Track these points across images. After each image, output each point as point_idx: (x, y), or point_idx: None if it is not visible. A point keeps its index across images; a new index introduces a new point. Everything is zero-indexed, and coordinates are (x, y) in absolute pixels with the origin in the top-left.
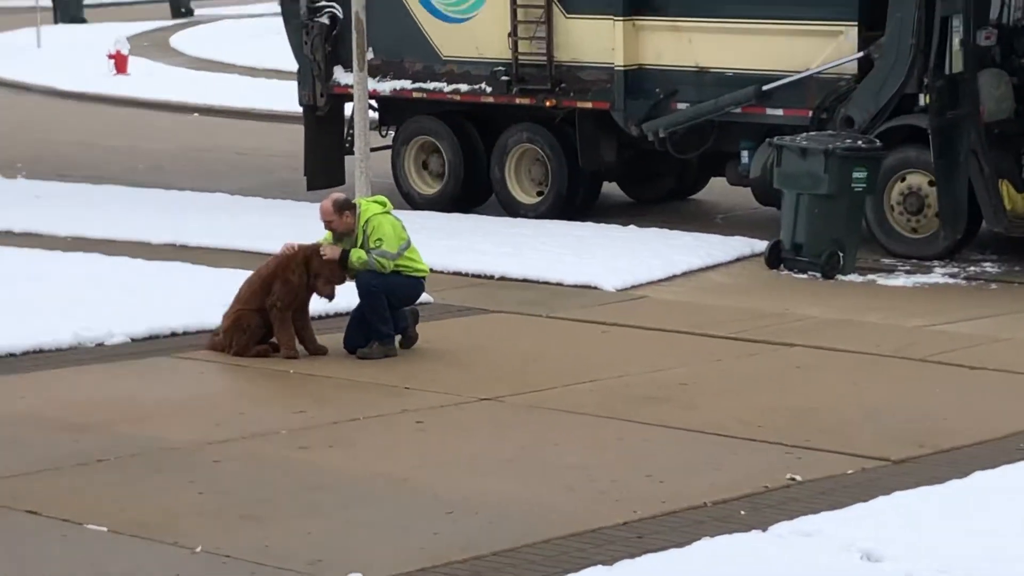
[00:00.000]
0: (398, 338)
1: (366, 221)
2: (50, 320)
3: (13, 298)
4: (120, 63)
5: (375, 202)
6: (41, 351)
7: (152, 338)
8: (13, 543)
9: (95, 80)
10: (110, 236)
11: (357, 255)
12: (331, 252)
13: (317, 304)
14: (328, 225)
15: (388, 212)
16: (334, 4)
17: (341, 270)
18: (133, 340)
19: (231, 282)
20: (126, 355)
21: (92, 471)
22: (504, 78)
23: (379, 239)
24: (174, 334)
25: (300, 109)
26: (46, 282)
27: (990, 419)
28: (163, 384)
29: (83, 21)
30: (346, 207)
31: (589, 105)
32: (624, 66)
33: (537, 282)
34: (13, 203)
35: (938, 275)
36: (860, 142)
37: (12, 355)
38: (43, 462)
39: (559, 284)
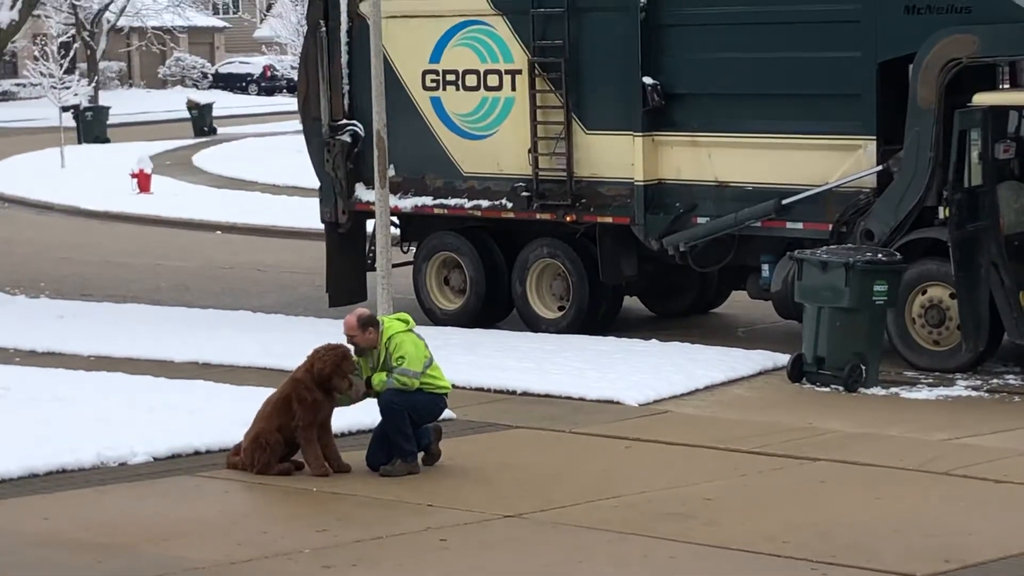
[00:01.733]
0: (421, 455)
1: (388, 339)
2: (73, 440)
3: (36, 418)
4: (143, 182)
5: (398, 319)
6: (64, 471)
7: (175, 457)
8: None
9: (118, 199)
10: (133, 355)
11: (378, 379)
12: (356, 393)
13: (339, 422)
14: (351, 340)
15: (411, 330)
16: (355, 122)
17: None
18: (156, 459)
19: (253, 400)
20: (149, 475)
21: None
22: (525, 194)
23: (401, 356)
24: (197, 453)
25: (322, 226)
26: (69, 402)
27: (1016, 533)
28: (186, 503)
29: (106, 141)
30: (370, 323)
31: (609, 220)
32: (644, 181)
33: (559, 397)
34: (36, 323)
35: (961, 388)
36: (880, 255)
37: (35, 475)
38: None
39: (581, 399)
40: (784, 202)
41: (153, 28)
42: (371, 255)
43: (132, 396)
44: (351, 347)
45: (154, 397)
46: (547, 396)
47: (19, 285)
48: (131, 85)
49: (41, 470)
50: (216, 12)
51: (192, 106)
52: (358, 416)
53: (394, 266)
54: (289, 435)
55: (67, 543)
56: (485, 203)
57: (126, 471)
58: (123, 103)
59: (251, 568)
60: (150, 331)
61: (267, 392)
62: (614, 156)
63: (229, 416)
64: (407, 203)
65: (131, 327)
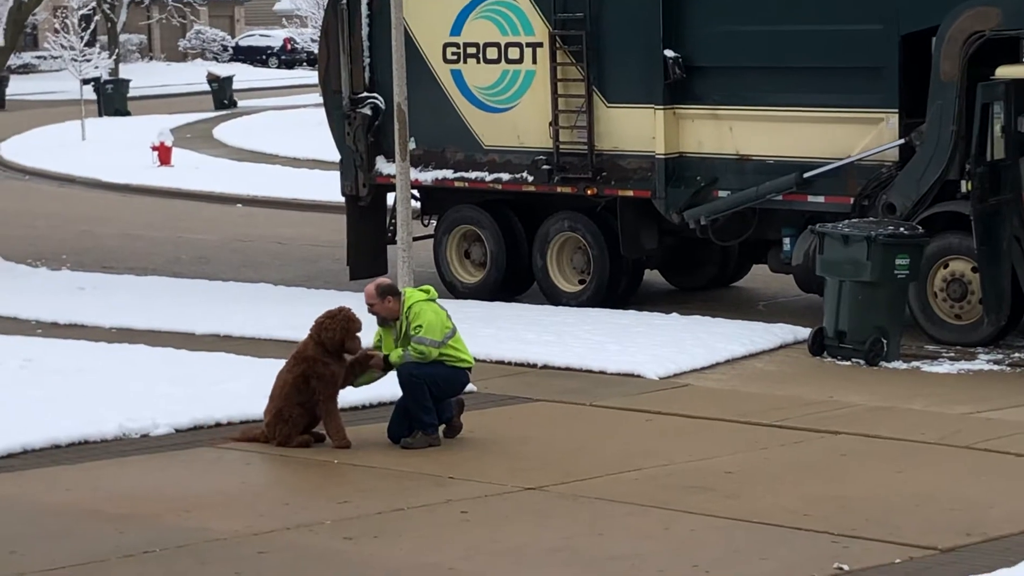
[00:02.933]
0: (442, 428)
1: (409, 308)
2: (95, 411)
3: (58, 390)
4: (164, 155)
5: (420, 290)
6: (86, 442)
7: (196, 428)
8: None
9: (139, 172)
10: (154, 327)
11: (396, 355)
12: (376, 361)
13: (360, 395)
14: (371, 309)
15: (432, 300)
16: (376, 95)
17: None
18: (177, 431)
19: (274, 372)
20: (170, 446)
21: (138, 563)
22: (545, 167)
23: (419, 325)
24: (218, 424)
25: (343, 199)
26: (90, 373)
27: None
28: (207, 475)
29: (127, 114)
30: (389, 292)
31: (630, 193)
32: (665, 154)
33: (580, 370)
34: (58, 295)
35: (982, 362)
36: (902, 229)
37: (58, 446)
38: (89, 554)
39: (602, 372)
40: (805, 175)
41: (173, 1)
42: (391, 228)
43: (154, 368)
44: (371, 315)
45: (175, 369)
46: (568, 369)
47: (41, 257)
48: (151, 58)
49: (63, 441)
50: None
51: (212, 79)
52: (379, 389)
53: (414, 239)
54: (311, 409)
55: (89, 514)
56: (506, 176)
57: (148, 442)
58: (143, 76)
59: (272, 539)
60: (171, 303)
61: (280, 368)
62: (635, 129)
63: (251, 388)
64: (428, 176)
65: (152, 299)
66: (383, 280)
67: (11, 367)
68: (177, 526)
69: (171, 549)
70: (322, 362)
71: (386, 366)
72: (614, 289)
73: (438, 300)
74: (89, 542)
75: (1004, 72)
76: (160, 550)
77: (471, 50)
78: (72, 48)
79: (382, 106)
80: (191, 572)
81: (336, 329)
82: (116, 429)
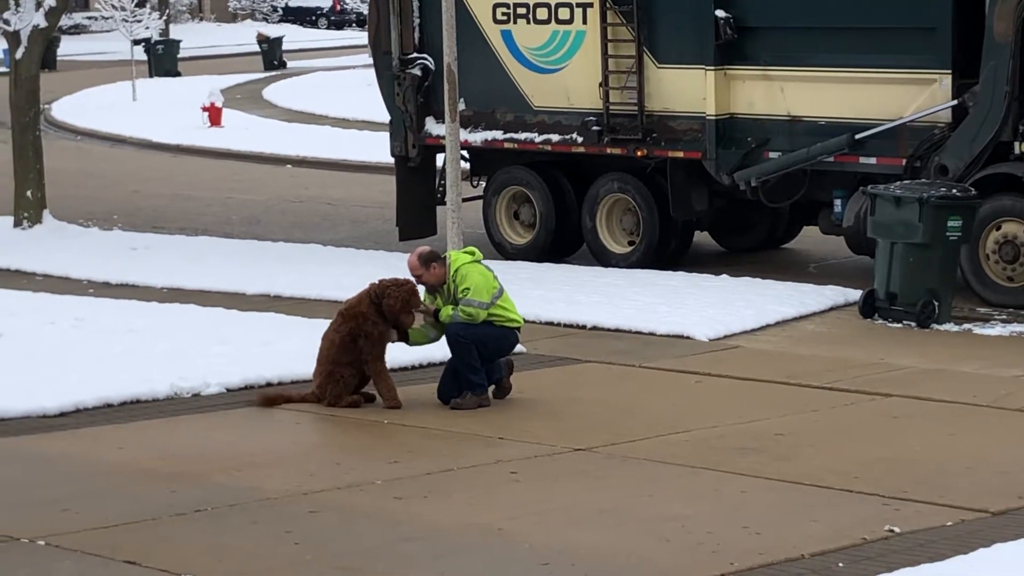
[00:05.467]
0: (491, 388)
1: (455, 271)
2: (147, 371)
3: (110, 349)
4: (214, 115)
5: (465, 252)
6: (138, 401)
7: (247, 388)
8: None
9: (189, 132)
10: (205, 287)
11: (445, 313)
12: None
13: (411, 355)
14: (418, 280)
15: (477, 261)
16: (426, 56)
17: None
18: (228, 390)
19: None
20: (222, 405)
21: (189, 521)
22: (595, 128)
23: (466, 288)
24: (269, 384)
25: (392, 160)
26: (142, 333)
27: None
28: (258, 434)
29: (177, 74)
30: (432, 259)
31: (681, 155)
32: (716, 115)
33: (629, 332)
34: (109, 255)
35: None
36: (955, 190)
37: (110, 405)
38: (141, 512)
39: (651, 334)
40: (857, 137)
41: None
42: (441, 189)
43: (205, 328)
44: (420, 285)
45: (226, 329)
46: (617, 331)
47: (92, 217)
48: (201, 19)
49: (115, 400)
50: None
51: (262, 40)
52: (429, 350)
53: (464, 200)
54: (360, 369)
55: (141, 473)
56: (555, 137)
57: (199, 402)
58: (193, 37)
59: (323, 498)
60: (221, 263)
61: (325, 329)
62: (686, 90)
63: (301, 348)
64: (477, 137)
65: (203, 259)
66: (423, 249)
67: (63, 326)
68: (228, 485)
69: (222, 508)
70: (372, 321)
71: (436, 320)
72: (663, 250)
73: (483, 260)
74: (141, 501)
75: None
76: (211, 509)
77: (521, 10)
78: (123, 9)
79: (432, 67)
80: (242, 531)
81: (398, 298)
82: (168, 388)
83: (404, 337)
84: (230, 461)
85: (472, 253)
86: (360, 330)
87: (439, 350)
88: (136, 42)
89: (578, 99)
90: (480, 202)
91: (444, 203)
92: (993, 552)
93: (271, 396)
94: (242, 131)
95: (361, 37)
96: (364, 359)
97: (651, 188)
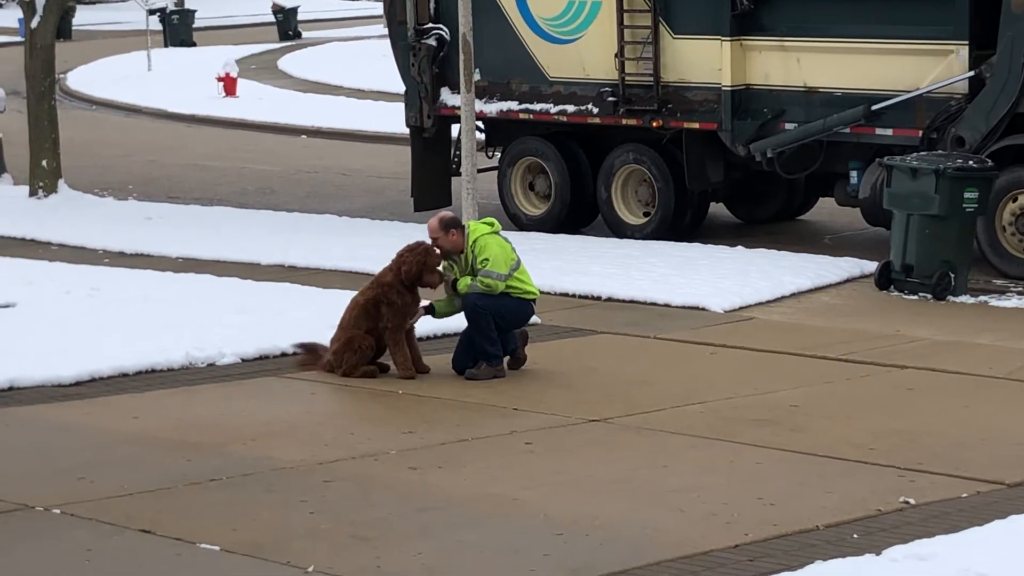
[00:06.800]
0: (507, 359)
1: (474, 241)
2: (162, 340)
3: (125, 318)
4: (229, 85)
5: (484, 223)
6: (153, 371)
7: (262, 358)
8: (127, 562)
9: (204, 102)
10: (220, 257)
11: (463, 283)
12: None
13: (426, 326)
14: (435, 242)
15: (496, 232)
16: (441, 26)
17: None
18: (243, 360)
19: (339, 302)
20: (237, 375)
21: (204, 491)
22: (611, 99)
23: (486, 259)
24: (284, 354)
25: (407, 130)
26: (157, 302)
27: None
28: (273, 404)
29: (192, 44)
30: (452, 225)
31: (696, 126)
32: (731, 86)
33: (644, 303)
34: (125, 224)
35: None
36: (971, 162)
37: (125, 375)
38: (156, 481)
39: (666, 305)
40: (874, 108)
41: None
42: (456, 160)
43: (220, 297)
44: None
45: (242, 299)
46: (632, 302)
47: (107, 187)
48: None
49: (131, 369)
50: None
51: (277, 10)
52: (444, 321)
53: (479, 171)
54: (378, 338)
55: (156, 441)
56: (571, 108)
57: (214, 371)
58: (208, 6)
59: (338, 468)
60: (237, 234)
61: (352, 294)
62: (702, 61)
63: (316, 318)
64: (492, 108)
65: (218, 229)
66: (446, 213)
67: (79, 296)
68: (243, 454)
69: (237, 477)
70: (396, 291)
71: (454, 290)
72: (679, 222)
73: (502, 232)
74: (156, 469)
75: None
76: (226, 478)
77: None
78: None
79: (447, 37)
80: (257, 500)
81: (414, 262)
82: (183, 358)
83: (431, 311)
84: (245, 430)
85: (491, 224)
86: (384, 297)
87: (454, 321)
88: (151, 12)
89: (594, 70)
90: (495, 173)
91: (459, 174)
92: (1008, 524)
93: (309, 347)
94: (257, 101)
95: (376, 7)
96: (384, 326)
97: (666, 159)
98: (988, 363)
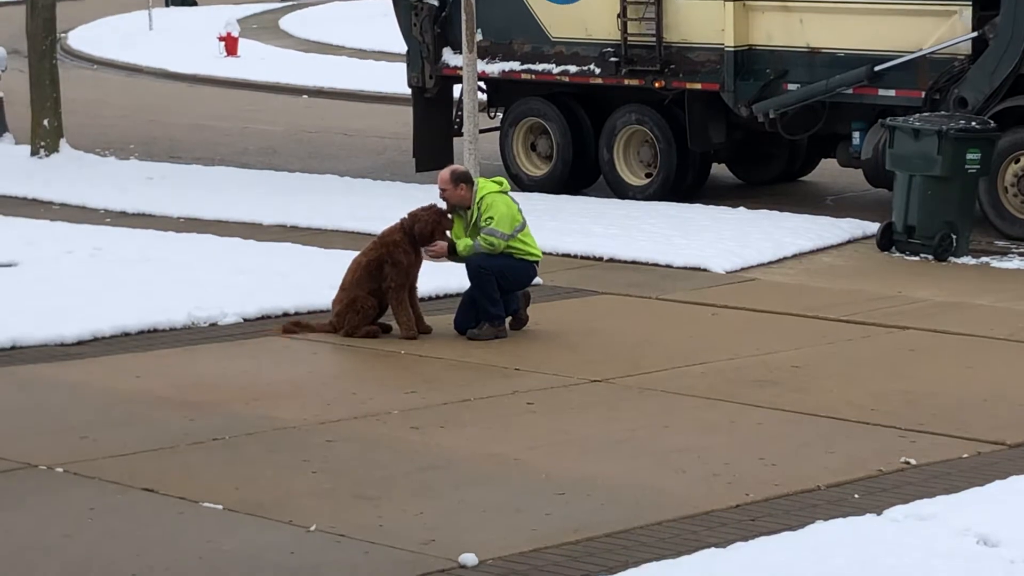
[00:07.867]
0: (508, 320)
1: (481, 199)
2: (164, 300)
3: (128, 278)
4: (230, 45)
5: (493, 181)
6: (155, 330)
7: (264, 318)
8: (130, 521)
9: (206, 62)
10: (222, 217)
11: (463, 244)
12: (439, 249)
13: (427, 286)
14: (442, 194)
15: (504, 192)
16: None
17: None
18: (245, 320)
19: (340, 262)
20: (239, 335)
21: (207, 450)
22: (613, 59)
23: (490, 217)
24: (286, 314)
25: (409, 91)
26: (159, 262)
27: None
28: (275, 364)
29: (193, 4)
30: (463, 179)
31: (699, 86)
32: (734, 47)
33: (646, 264)
34: (127, 184)
35: None
36: (974, 123)
37: (127, 334)
38: (159, 441)
39: (668, 266)
40: (876, 69)
41: None
42: (458, 120)
43: (222, 257)
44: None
45: (243, 259)
46: (633, 263)
47: (109, 147)
48: None
49: (133, 329)
50: None
51: None
52: (446, 280)
53: (481, 131)
54: (380, 298)
55: (158, 401)
56: (573, 68)
57: (216, 331)
58: None
59: (340, 428)
60: (238, 194)
61: (354, 255)
62: (704, 21)
63: (318, 278)
64: (494, 68)
65: (220, 189)
66: (458, 167)
67: (81, 256)
68: (245, 414)
69: (240, 436)
70: (403, 249)
71: (451, 253)
72: (681, 182)
73: (510, 192)
74: (159, 429)
75: None
76: (229, 437)
77: None
78: None
79: None
80: (260, 459)
81: (428, 221)
82: (185, 318)
83: (452, 253)
84: (247, 390)
85: (500, 183)
86: (389, 256)
87: (455, 280)
88: None
89: (596, 30)
90: (497, 134)
91: (461, 134)
92: (1009, 484)
93: (290, 325)
94: (258, 61)
95: None
96: (387, 286)
97: (669, 120)
98: (989, 324)
